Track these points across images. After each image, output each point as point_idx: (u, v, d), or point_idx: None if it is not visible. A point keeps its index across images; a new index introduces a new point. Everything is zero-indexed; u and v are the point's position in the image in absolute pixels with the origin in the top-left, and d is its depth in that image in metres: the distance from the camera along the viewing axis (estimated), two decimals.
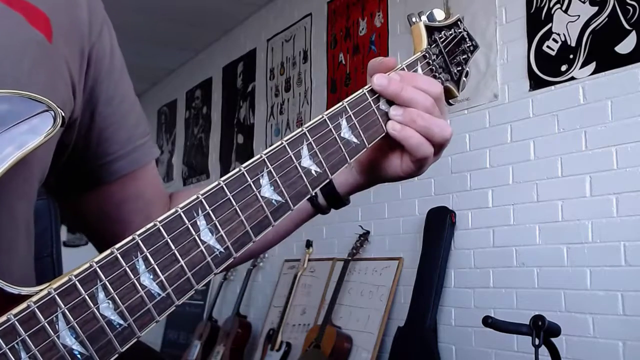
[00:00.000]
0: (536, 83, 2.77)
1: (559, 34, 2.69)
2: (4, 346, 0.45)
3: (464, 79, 0.86)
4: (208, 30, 5.49)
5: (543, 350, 1.83)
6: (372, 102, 0.72)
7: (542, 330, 1.81)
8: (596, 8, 2.54)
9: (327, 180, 0.67)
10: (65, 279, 0.48)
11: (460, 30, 0.86)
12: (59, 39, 0.64)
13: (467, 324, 2.95)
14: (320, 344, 3.37)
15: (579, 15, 2.61)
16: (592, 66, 2.55)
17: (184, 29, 5.45)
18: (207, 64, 5.87)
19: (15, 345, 0.45)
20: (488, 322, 1.94)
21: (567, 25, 2.65)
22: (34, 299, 0.47)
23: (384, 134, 0.73)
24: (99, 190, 0.73)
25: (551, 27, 2.72)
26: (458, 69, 0.85)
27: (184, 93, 6.28)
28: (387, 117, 0.73)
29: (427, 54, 0.80)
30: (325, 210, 0.83)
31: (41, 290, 0.48)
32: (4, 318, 0.45)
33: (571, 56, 2.63)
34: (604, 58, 2.50)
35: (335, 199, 0.80)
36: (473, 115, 3.07)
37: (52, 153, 0.64)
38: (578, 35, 2.61)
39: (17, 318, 0.46)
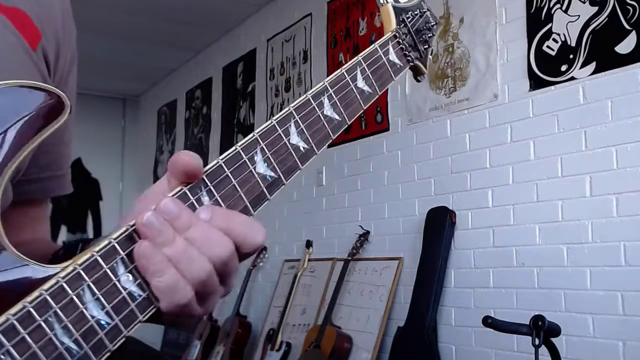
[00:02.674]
0: (536, 83, 2.77)
1: (559, 34, 2.69)
2: (39, 319, 0.48)
3: (430, 56, 0.90)
4: (208, 30, 5.49)
5: (543, 350, 1.83)
6: (349, 81, 0.76)
7: (542, 330, 1.81)
8: (596, 8, 2.54)
9: (315, 156, 0.70)
10: (88, 255, 0.52)
11: (424, 10, 0.90)
12: (43, 43, 0.64)
13: (467, 324, 2.95)
14: (320, 344, 3.37)
15: (579, 15, 2.61)
16: (592, 66, 2.55)
17: (184, 29, 5.45)
18: (207, 64, 5.87)
19: (49, 318, 0.49)
20: (488, 322, 1.94)
21: (567, 25, 2.65)
22: (62, 274, 0.50)
23: (362, 110, 0.77)
24: None
25: (551, 27, 2.72)
26: (425, 47, 0.89)
27: (184, 93, 6.28)
28: (363, 95, 0.77)
29: (397, 34, 0.83)
30: None
31: (67, 266, 0.51)
32: (36, 293, 0.49)
33: (571, 56, 2.63)
34: (604, 58, 2.50)
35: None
36: (473, 115, 3.07)
37: (31, 153, 0.63)
38: (578, 35, 2.61)
39: (48, 292, 0.49)
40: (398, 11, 0.85)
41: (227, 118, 5.43)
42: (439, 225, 3.11)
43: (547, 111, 2.71)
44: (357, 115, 0.76)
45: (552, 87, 2.70)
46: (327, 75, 0.74)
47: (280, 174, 0.65)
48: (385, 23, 0.84)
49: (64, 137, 0.72)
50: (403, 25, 0.85)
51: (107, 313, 0.51)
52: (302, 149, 0.68)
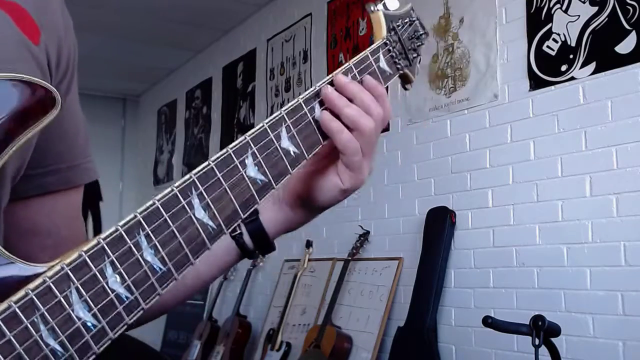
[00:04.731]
0: (536, 83, 2.77)
1: (559, 34, 2.69)
2: (25, 320, 0.47)
3: (417, 65, 0.91)
4: (208, 30, 5.49)
5: (543, 350, 1.83)
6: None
7: (542, 330, 1.81)
8: (596, 8, 2.54)
9: (304, 162, 0.70)
10: (76, 255, 0.51)
11: (413, 19, 0.90)
12: (44, 39, 0.63)
13: (467, 324, 2.95)
14: (320, 344, 3.37)
15: (579, 15, 2.61)
16: (592, 66, 2.55)
17: (184, 29, 5.45)
18: (207, 64, 5.87)
19: (35, 319, 0.48)
20: (488, 322, 1.94)
21: (567, 25, 2.65)
22: (49, 274, 0.49)
23: None
24: (8, 208, 0.65)
25: (551, 27, 2.72)
26: (413, 55, 0.89)
27: (184, 93, 6.28)
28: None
29: (388, 41, 0.83)
30: (252, 254, 0.79)
31: (54, 265, 0.50)
32: (22, 292, 0.47)
33: (571, 56, 2.63)
34: (604, 58, 2.50)
35: (262, 239, 0.78)
36: (473, 115, 3.07)
37: (31, 149, 0.62)
38: (578, 35, 2.61)
39: (34, 292, 0.48)
40: (388, 19, 0.85)
41: (227, 118, 5.43)
42: (439, 225, 3.11)
43: (547, 111, 2.71)
44: None
45: (552, 87, 2.70)
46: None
47: (271, 178, 0.66)
48: (376, 30, 0.85)
49: (70, 127, 0.70)
50: (393, 33, 0.85)
51: (94, 315, 0.51)
52: (292, 153, 0.69)
